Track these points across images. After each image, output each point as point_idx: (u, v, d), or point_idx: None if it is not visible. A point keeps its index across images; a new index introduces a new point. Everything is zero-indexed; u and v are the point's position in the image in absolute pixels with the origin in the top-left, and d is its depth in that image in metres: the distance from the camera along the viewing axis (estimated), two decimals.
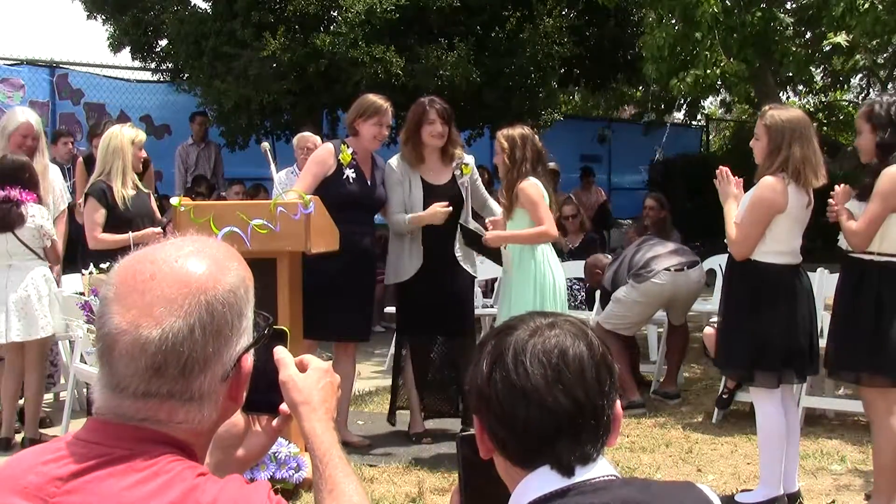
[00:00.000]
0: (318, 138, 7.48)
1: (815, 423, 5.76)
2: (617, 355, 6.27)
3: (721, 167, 4.50)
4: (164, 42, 10.54)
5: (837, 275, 4.36)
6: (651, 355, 7.51)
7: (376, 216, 5.69)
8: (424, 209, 5.36)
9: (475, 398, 1.44)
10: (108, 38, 10.60)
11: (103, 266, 4.91)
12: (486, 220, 5.37)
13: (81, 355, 5.58)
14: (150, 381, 1.30)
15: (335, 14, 9.41)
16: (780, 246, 4.26)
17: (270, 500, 1.34)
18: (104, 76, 11.34)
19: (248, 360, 1.41)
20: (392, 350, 7.63)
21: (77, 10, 12.83)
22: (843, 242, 4.22)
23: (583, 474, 1.37)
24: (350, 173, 5.34)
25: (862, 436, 5.28)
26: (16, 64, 10.62)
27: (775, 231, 4.23)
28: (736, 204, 4.35)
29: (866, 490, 4.48)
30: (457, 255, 5.42)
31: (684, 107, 14.19)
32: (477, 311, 6.40)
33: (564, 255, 8.17)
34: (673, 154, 15.92)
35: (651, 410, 6.22)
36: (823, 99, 14.57)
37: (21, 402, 5.81)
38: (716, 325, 4.94)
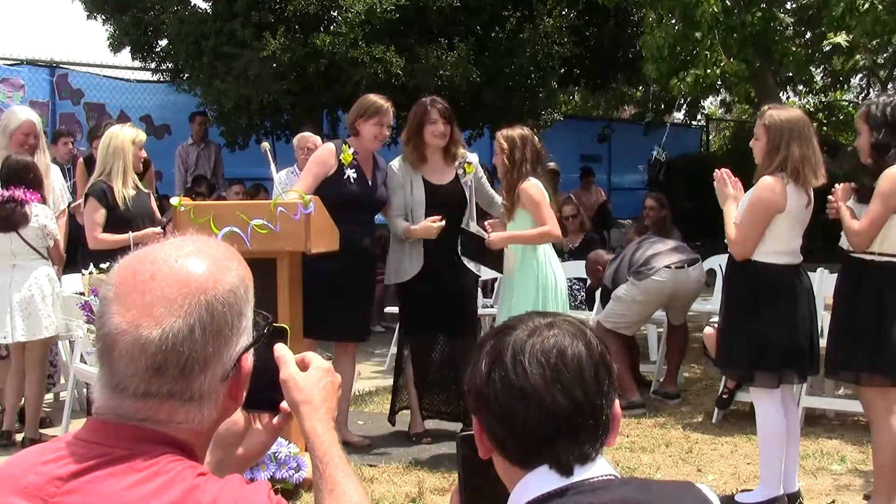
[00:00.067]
0: (318, 138, 7.48)
1: (815, 423, 5.77)
2: (617, 355, 6.28)
3: (718, 169, 4.50)
4: (164, 42, 10.54)
5: (837, 274, 4.37)
6: (651, 355, 7.51)
7: (377, 216, 5.69)
8: (427, 209, 5.36)
9: (474, 398, 1.44)
10: (108, 38, 10.60)
11: (103, 266, 4.91)
12: (486, 223, 5.35)
13: (81, 355, 5.59)
14: (150, 381, 1.30)
15: (335, 14, 9.41)
16: (780, 246, 4.26)
17: (270, 500, 1.34)
18: (104, 76, 11.33)
19: (248, 360, 1.41)
20: (392, 350, 7.65)
21: (77, 10, 12.84)
22: (844, 242, 4.22)
23: (581, 474, 1.37)
24: (351, 173, 5.34)
25: (862, 436, 5.28)
26: (16, 64, 10.62)
27: (775, 231, 4.23)
28: (735, 205, 4.36)
29: (866, 490, 4.48)
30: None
31: (684, 107, 14.19)
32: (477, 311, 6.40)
33: (564, 255, 8.17)
34: (673, 154, 15.92)
35: (651, 410, 6.22)
36: (823, 99, 14.57)
37: (21, 402, 5.81)
38: (716, 325, 4.95)
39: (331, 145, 5.51)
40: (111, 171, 5.52)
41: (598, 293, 7.16)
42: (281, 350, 1.56)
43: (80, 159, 7.60)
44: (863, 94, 14.09)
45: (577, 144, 14.77)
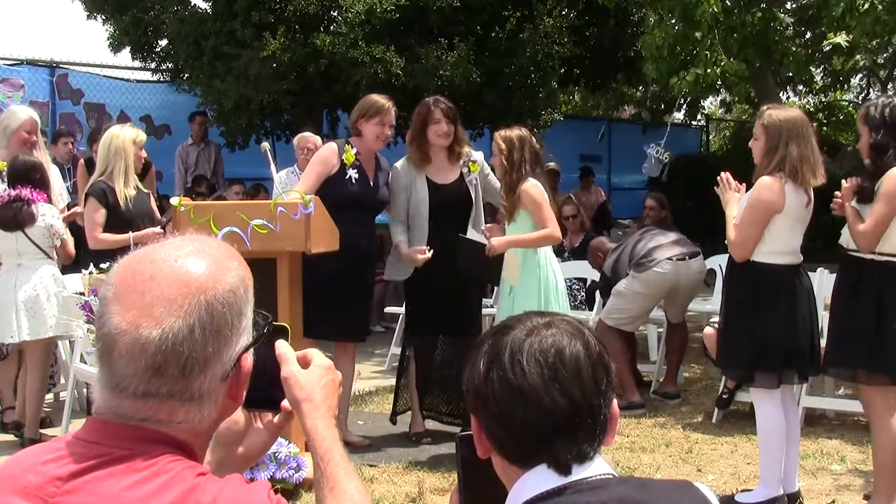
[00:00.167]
0: (318, 138, 7.48)
1: (815, 423, 5.77)
2: (618, 354, 6.30)
3: (721, 173, 4.50)
4: (164, 42, 10.53)
5: (836, 273, 4.38)
6: (651, 355, 7.51)
7: (378, 216, 5.69)
8: (430, 209, 5.36)
9: (472, 398, 1.44)
10: (108, 38, 10.59)
11: (103, 266, 4.92)
12: (483, 227, 5.32)
13: (81, 355, 5.59)
14: (149, 381, 1.30)
15: (335, 14, 9.41)
16: (779, 246, 4.26)
17: (270, 500, 1.34)
18: (104, 76, 11.33)
19: (248, 360, 1.41)
20: (392, 350, 7.66)
21: (77, 10, 12.84)
22: (843, 240, 4.23)
23: (579, 473, 1.37)
24: (353, 174, 5.33)
25: (862, 436, 5.28)
26: (16, 64, 10.61)
27: (774, 231, 4.23)
28: (737, 206, 4.36)
29: (866, 490, 4.48)
30: None
31: (684, 107, 14.19)
32: None
33: (564, 255, 8.17)
34: (673, 154, 15.90)
35: (651, 410, 6.23)
36: (823, 99, 14.57)
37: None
38: (716, 326, 4.95)
39: (333, 145, 5.50)
40: (112, 171, 5.53)
41: (598, 293, 7.17)
42: (282, 347, 1.55)
43: (81, 161, 7.61)
44: (863, 94, 14.10)
45: (577, 144, 14.76)
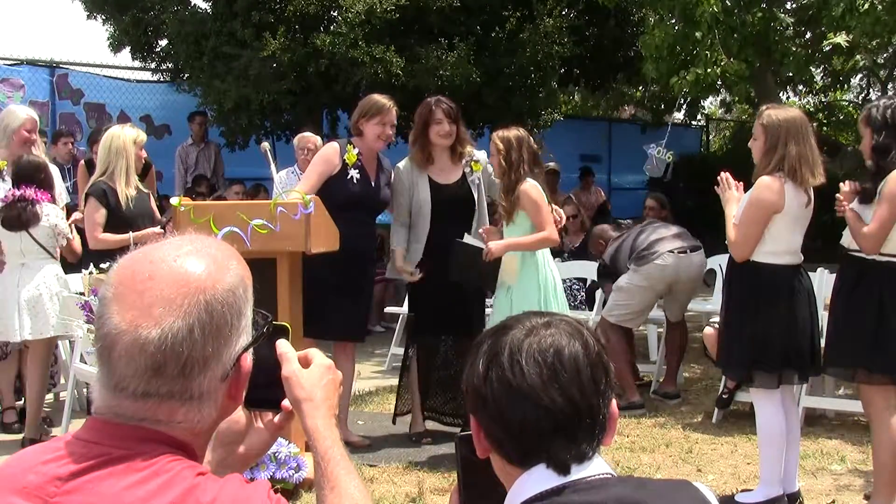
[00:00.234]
0: (318, 138, 7.48)
1: (815, 423, 5.77)
2: (620, 353, 6.32)
3: (721, 173, 4.50)
4: (164, 42, 10.53)
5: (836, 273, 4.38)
6: (651, 355, 7.51)
7: (379, 216, 5.69)
8: (432, 209, 5.37)
9: (471, 398, 1.44)
10: (108, 38, 10.59)
11: (103, 266, 4.93)
12: (480, 230, 5.32)
13: (81, 355, 5.59)
14: (149, 381, 1.30)
15: (335, 14, 9.40)
16: (779, 246, 4.26)
17: (270, 500, 1.34)
18: (104, 76, 11.32)
19: (248, 360, 1.41)
20: (392, 350, 7.67)
21: (77, 10, 12.83)
22: (845, 241, 4.23)
23: (578, 472, 1.38)
24: (354, 174, 5.33)
25: (862, 436, 5.28)
26: (16, 64, 10.61)
27: (774, 231, 4.23)
28: (737, 206, 4.36)
29: (866, 490, 4.48)
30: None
31: (684, 107, 14.19)
32: None
33: (564, 255, 8.17)
34: (675, 154, 15.90)
35: (651, 410, 6.23)
36: (823, 99, 14.56)
37: (21, 402, 5.83)
38: (716, 326, 4.95)
39: (335, 144, 5.50)
40: (113, 171, 5.54)
41: (598, 293, 7.18)
42: (283, 347, 1.55)
43: (82, 162, 7.62)
44: (863, 94, 14.09)
45: (577, 144, 14.76)
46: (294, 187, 5.55)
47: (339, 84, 9.12)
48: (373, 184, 5.42)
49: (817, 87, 12.90)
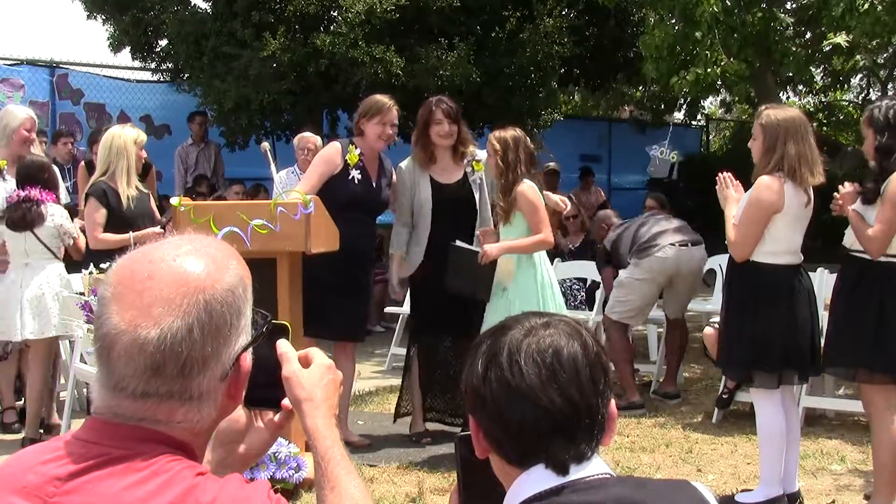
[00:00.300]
0: (318, 138, 7.49)
1: (815, 423, 5.77)
2: (622, 351, 6.32)
3: (721, 172, 4.50)
4: (164, 42, 10.52)
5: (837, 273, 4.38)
6: (651, 355, 7.51)
7: (379, 216, 5.69)
8: (433, 209, 5.38)
9: (470, 398, 1.44)
10: (108, 38, 10.59)
11: (103, 266, 4.93)
12: (477, 233, 5.31)
13: (81, 355, 5.60)
14: (148, 381, 1.30)
15: (335, 14, 9.40)
16: (779, 246, 4.26)
17: (270, 499, 1.34)
18: (104, 76, 11.32)
19: (247, 359, 1.40)
20: (392, 350, 7.67)
21: (77, 10, 12.83)
22: (847, 241, 4.23)
23: (577, 473, 1.38)
24: (356, 174, 5.33)
25: (862, 436, 5.28)
26: (16, 64, 10.61)
27: (774, 231, 4.23)
28: (736, 206, 4.36)
29: (866, 490, 4.49)
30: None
31: (684, 107, 14.19)
32: None
33: (565, 255, 8.17)
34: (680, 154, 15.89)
35: (651, 410, 6.23)
36: (823, 99, 14.55)
37: (21, 402, 5.83)
38: (716, 326, 4.95)
39: (337, 144, 5.50)
40: (115, 171, 5.54)
41: (598, 293, 7.19)
42: (284, 347, 1.55)
43: (82, 163, 7.63)
44: (863, 94, 14.07)
45: (577, 144, 14.76)
46: (294, 187, 5.55)
47: (339, 84, 9.12)
48: (374, 184, 5.42)
49: (817, 87, 12.90)
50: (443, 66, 8.83)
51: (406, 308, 7.05)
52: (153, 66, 11.02)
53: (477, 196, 5.49)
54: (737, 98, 10.85)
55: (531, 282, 5.07)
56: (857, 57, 10.45)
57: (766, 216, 4.20)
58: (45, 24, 29.99)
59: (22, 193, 5.52)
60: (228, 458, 1.59)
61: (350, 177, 5.32)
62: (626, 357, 6.39)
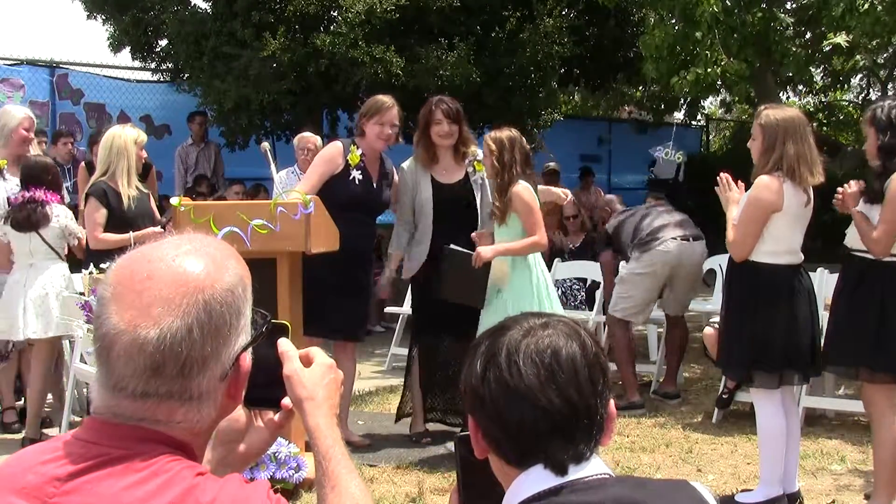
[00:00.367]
0: (318, 138, 7.49)
1: (815, 423, 5.77)
2: (625, 349, 6.33)
3: (721, 174, 4.50)
4: (164, 42, 10.52)
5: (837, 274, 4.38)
6: (651, 355, 7.51)
7: (379, 216, 5.69)
8: (434, 208, 5.39)
9: (469, 398, 1.44)
10: (108, 38, 10.58)
11: (103, 266, 4.93)
12: (472, 235, 5.31)
13: (81, 355, 5.60)
14: (148, 381, 1.30)
15: (335, 14, 9.40)
16: (779, 246, 4.26)
17: (270, 499, 1.34)
18: (104, 76, 11.31)
19: (247, 359, 1.40)
20: (392, 350, 7.67)
21: (77, 10, 12.83)
22: (849, 241, 4.23)
23: (576, 473, 1.38)
24: (357, 174, 5.33)
25: (862, 436, 5.28)
26: (16, 64, 10.60)
27: (774, 231, 4.23)
28: (737, 207, 4.36)
29: (866, 490, 4.49)
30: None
31: (684, 107, 14.17)
32: None
33: (565, 255, 8.17)
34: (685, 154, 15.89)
35: (651, 410, 6.23)
36: (823, 99, 14.54)
37: (21, 402, 5.83)
38: (716, 326, 4.95)
39: (339, 144, 5.50)
40: (115, 171, 5.55)
41: (598, 293, 7.19)
42: (285, 345, 1.55)
43: (82, 164, 7.63)
44: (863, 94, 14.06)
45: (577, 144, 14.76)
46: (294, 187, 5.55)
47: (339, 84, 9.12)
48: (374, 185, 5.42)
49: (817, 87, 12.89)
50: (443, 66, 8.83)
51: (406, 308, 7.06)
52: (153, 66, 11.01)
53: (478, 196, 5.49)
54: (737, 98, 10.84)
55: (526, 283, 5.07)
56: (857, 57, 10.45)
57: (765, 215, 4.20)
58: (45, 24, 30.01)
59: (27, 194, 5.54)
60: (228, 457, 1.59)
61: (351, 177, 5.32)
62: (629, 355, 6.40)
